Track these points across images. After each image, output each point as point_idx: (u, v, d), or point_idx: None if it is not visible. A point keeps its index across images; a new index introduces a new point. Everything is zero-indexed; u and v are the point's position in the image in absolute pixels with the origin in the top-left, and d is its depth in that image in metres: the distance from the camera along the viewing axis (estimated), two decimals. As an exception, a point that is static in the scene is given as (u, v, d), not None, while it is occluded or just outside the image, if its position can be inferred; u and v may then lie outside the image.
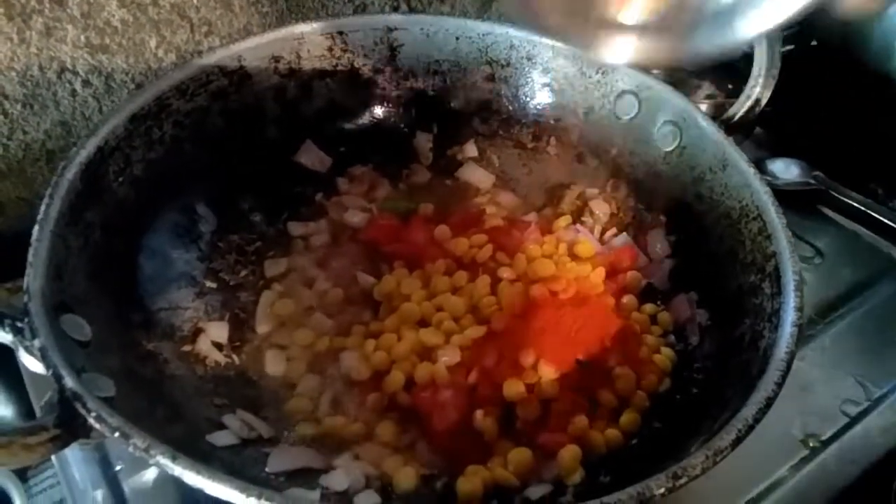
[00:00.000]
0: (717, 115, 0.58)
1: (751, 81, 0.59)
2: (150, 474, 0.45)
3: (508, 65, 0.59)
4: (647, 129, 0.55)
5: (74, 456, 0.46)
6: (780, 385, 0.36)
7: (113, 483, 0.45)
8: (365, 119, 0.60)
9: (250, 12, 0.59)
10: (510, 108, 0.60)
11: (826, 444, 0.49)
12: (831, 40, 0.73)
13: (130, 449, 0.31)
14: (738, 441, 0.34)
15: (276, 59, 0.54)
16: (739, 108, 0.59)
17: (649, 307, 0.51)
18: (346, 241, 0.54)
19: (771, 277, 0.43)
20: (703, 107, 0.58)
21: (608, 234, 0.56)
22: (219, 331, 0.48)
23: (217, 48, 0.52)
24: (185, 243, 0.50)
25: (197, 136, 0.51)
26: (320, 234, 0.55)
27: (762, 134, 0.72)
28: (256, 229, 0.54)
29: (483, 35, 0.58)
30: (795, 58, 0.66)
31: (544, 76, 0.59)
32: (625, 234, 0.56)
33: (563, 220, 0.56)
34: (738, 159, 0.49)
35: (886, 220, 0.64)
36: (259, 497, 0.30)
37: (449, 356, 0.46)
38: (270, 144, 0.55)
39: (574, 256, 0.53)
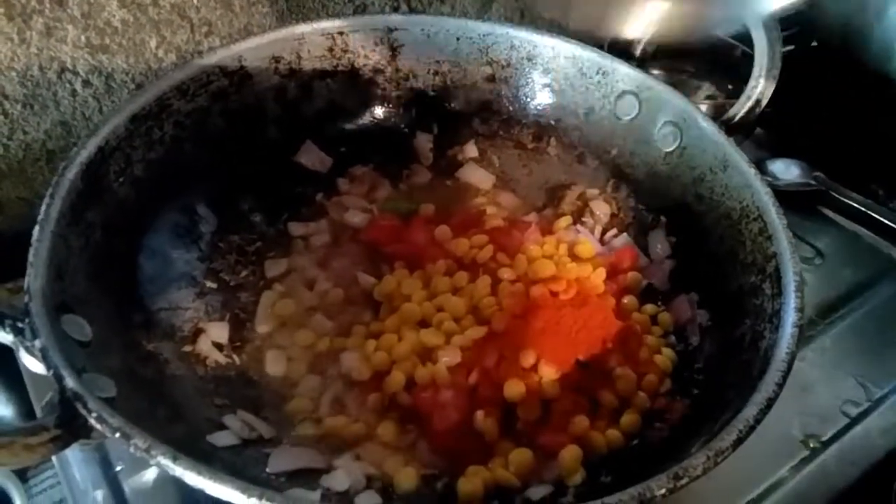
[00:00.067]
0: (717, 115, 0.58)
1: (751, 82, 0.59)
2: (150, 474, 0.45)
3: (509, 65, 0.59)
4: (647, 130, 0.55)
5: (75, 456, 0.46)
6: (780, 386, 0.36)
7: (113, 483, 0.45)
8: (365, 119, 0.60)
9: (250, 12, 0.59)
10: (511, 108, 0.61)
11: (826, 444, 0.49)
12: (832, 41, 0.73)
13: (131, 449, 0.31)
14: (739, 442, 0.34)
15: (277, 60, 0.54)
16: (740, 108, 0.59)
17: (650, 308, 0.51)
18: (347, 242, 0.54)
19: (772, 278, 0.43)
20: (704, 107, 0.58)
21: (609, 234, 0.56)
22: (219, 331, 0.48)
23: (217, 48, 0.52)
24: (186, 243, 0.50)
25: (197, 137, 0.51)
26: (321, 235, 0.55)
27: (762, 134, 0.72)
28: (257, 229, 0.54)
29: (484, 35, 0.58)
30: (796, 58, 0.66)
31: (545, 77, 0.59)
32: (625, 234, 0.56)
33: (564, 221, 0.56)
34: (739, 160, 0.49)
35: (887, 221, 0.64)
36: (260, 497, 0.30)
37: (449, 357, 0.46)
38: (271, 145, 0.55)
39: (574, 257, 0.53)
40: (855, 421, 0.51)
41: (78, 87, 0.55)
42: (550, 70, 0.58)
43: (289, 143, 0.57)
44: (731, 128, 0.57)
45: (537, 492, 0.41)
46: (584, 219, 0.57)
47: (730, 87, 0.74)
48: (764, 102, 0.58)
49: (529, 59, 0.58)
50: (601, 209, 0.57)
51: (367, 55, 0.57)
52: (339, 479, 0.40)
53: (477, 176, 0.60)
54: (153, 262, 0.47)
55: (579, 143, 0.60)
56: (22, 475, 0.50)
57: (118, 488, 0.44)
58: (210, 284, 0.50)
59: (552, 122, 0.60)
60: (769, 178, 0.66)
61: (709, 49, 0.74)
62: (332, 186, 0.58)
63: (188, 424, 0.40)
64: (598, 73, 0.56)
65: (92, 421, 0.32)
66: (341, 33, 0.56)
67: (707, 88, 0.75)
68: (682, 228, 0.54)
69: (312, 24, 0.55)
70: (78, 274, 0.40)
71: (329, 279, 0.51)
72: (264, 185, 0.55)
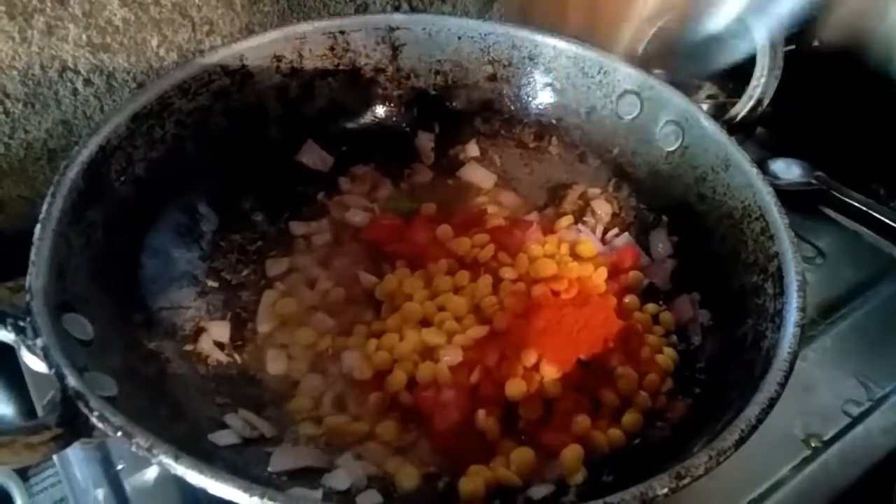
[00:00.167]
0: (719, 114, 0.58)
1: (753, 81, 0.59)
2: (151, 473, 0.45)
3: (510, 64, 0.59)
4: (649, 129, 0.55)
5: (76, 455, 0.46)
6: (782, 385, 0.36)
7: (114, 482, 0.45)
8: (367, 118, 0.60)
9: (252, 11, 0.59)
10: (512, 107, 0.60)
11: (828, 444, 0.49)
12: (833, 41, 0.73)
13: (133, 448, 0.31)
14: (741, 441, 0.34)
15: (278, 59, 0.54)
16: (741, 108, 0.59)
17: (651, 307, 0.51)
18: (348, 241, 0.54)
19: (773, 278, 0.43)
20: (705, 107, 0.58)
21: (610, 233, 0.56)
22: (220, 330, 0.48)
23: (219, 47, 0.52)
24: (187, 242, 0.50)
25: (199, 136, 0.51)
26: (322, 234, 0.55)
27: (764, 134, 0.72)
28: (258, 229, 0.54)
29: (485, 35, 0.58)
30: (797, 58, 0.66)
31: (546, 76, 0.59)
32: (627, 234, 0.56)
33: (565, 220, 0.56)
34: (741, 159, 0.49)
35: (888, 221, 0.64)
36: (262, 497, 0.30)
37: (451, 356, 0.46)
38: (272, 144, 0.55)
39: (576, 256, 0.53)
40: (856, 420, 0.51)
41: (79, 85, 0.55)
42: (552, 69, 0.58)
43: (290, 143, 0.57)
44: (732, 127, 0.57)
45: (539, 491, 0.40)
46: (585, 218, 0.57)
47: (731, 86, 0.73)
48: (766, 102, 0.58)
49: (531, 59, 0.58)
50: (603, 208, 0.57)
51: (368, 54, 0.57)
52: (340, 479, 0.40)
53: (478, 175, 0.60)
54: (154, 261, 0.47)
55: (581, 143, 0.60)
56: (23, 474, 0.50)
57: (119, 487, 0.44)
58: (211, 283, 0.50)
59: (553, 122, 0.60)
60: (770, 178, 0.66)
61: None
62: (333, 185, 0.58)
63: (189, 423, 0.40)
64: (599, 72, 0.56)
65: (93, 420, 0.32)
66: (343, 32, 0.55)
67: (708, 88, 0.75)
68: (684, 228, 0.54)
69: (314, 23, 0.55)
70: (79, 273, 0.40)
71: (330, 278, 0.51)
72: (266, 184, 0.55)
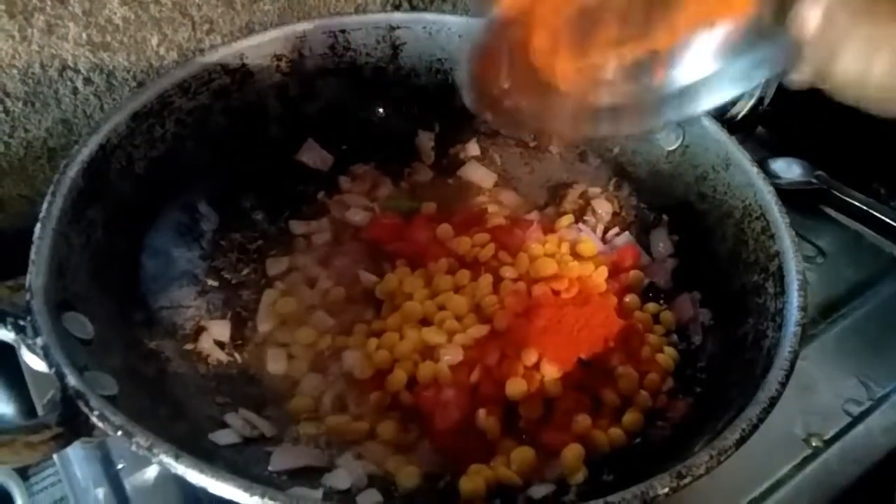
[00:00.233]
0: (719, 114, 0.58)
1: (753, 80, 0.59)
2: (151, 472, 0.45)
3: (511, 63, 0.58)
4: (649, 128, 0.55)
5: (76, 454, 0.46)
6: (783, 385, 0.36)
7: (114, 481, 0.45)
8: (367, 117, 0.59)
9: (252, 10, 0.59)
10: (512, 106, 0.60)
11: (828, 443, 0.49)
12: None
13: (133, 447, 0.31)
14: (742, 441, 0.34)
15: (278, 58, 0.54)
16: (742, 107, 0.59)
17: (652, 306, 0.51)
18: (348, 240, 0.54)
19: (774, 277, 0.43)
20: (706, 106, 0.58)
21: (610, 233, 0.56)
22: (221, 329, 0.48)
23: (219, 46, 0.52)
24: (187, 242, 0.50)
25: (199, 135, 0.51)
26: (322, 233, 0.55)
27: (764, 133, 0.72)
28: (258, 228, 0.54)
29: (485, 33, 0.57)
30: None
31: (547, 75, 0.58)
32: (627, 233, 0.56)
33: (566, 219, 0.56)
34: (741, 158, 0.49)
35: (889, 220, 0.64)
36: (262, 496, 0.30)
37: (451, 355, 0.46)
38: (272, 143, 0.55)
39: (576, 255, 0.53)
40: (857, 420, 0.50)
41: (79, 84, 0.55)
42: (552, 68, 0.58)
43: (290, 142, 0.57)
44: (733, 126, 0.57)
45: (539, 490, 0.41)
46: (585, 217, 0.57)
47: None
48: (766, 101, 0.58)
49: (531, 58, 0.58)
50: (603, 208, 0.57)
51: (368, 53, 0.57)
52: (340, 478, 0.40)
53: (479, 174, 0.60)
54: (155, 261, 0.47)
55: (581, 142, 0.59)
56: (23, 473, 0.50)
57: (119, 486, 0.44)
58: (211, 283, 0.50)
59: (554, 121, 0.60)
60: (771, 177, 0.66)
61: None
62: (333, 185, 0.58)
63: (190, 422, 0.40)
64: (600, 71, 0.56)
65: (94, 419, 0.32)
66: (343, 31, 0.55)
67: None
68: (685, 227, 0.53)
69: (314, 21, 0.55)
70: (79, 272, 0.40)
71: (330, 277, 0.51)
72: (266, 184, 0.55)
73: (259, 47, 0.53)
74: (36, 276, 0.36)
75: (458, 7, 0.71)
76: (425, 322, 0.48)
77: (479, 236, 0.53)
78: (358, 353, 0.46)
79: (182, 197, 0.50)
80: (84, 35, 0.53)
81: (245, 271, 0.52)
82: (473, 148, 0.61)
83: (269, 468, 0.40)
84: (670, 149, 0.54)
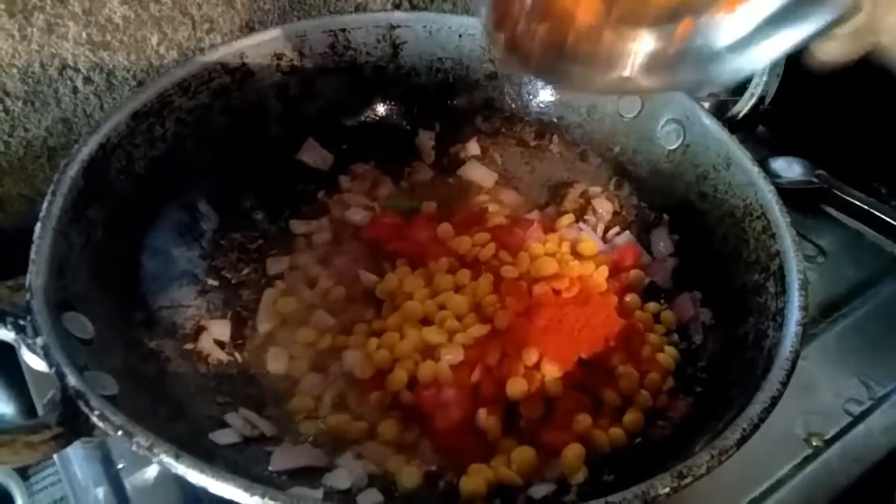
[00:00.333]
0: (720, 113, 0.58)
1: (754, 79, 0.59)
2: (151, 472, 0.45)
3: (511, 62, 0.58)
4: (650, 128, 0.55)
5: (76, 454, 0.45)
6: (784, 384, 0.36)
7: (115, 481, 0.45)
8: (367, 117, 0.59)
9: (252, 9, 0.59)
10: (513, 105, 0.60)
11: (829, 443, 0.49)
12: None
13: (133, 447, 0.31)
14: (743, 440, 0.34)
15: (279, 57, 0.54)
16: (743, 106, 0.59)
17: (652, 306, 0.51)
18: (349, 239, 0.54)
19: (775, 276, 0.43)
20: (706, 105, 0.58)
21: (611, 232, 0.56)
22: (221, 329, 0.48)
23: (219, 45, 0.52)
24: (187, 241, 0.50)
25: (199, 134, 0.51)
26: (322, 232, 0.55)
27: (765, 132, 0.72)
28: (258, 227, 0.54)
29: (486, 33, 0.57)
30: (798, 56, 0.65)
31: (547, 74, 0.58)
32: (628, 232, 0.56)
33: (566, 219, 0.56)
34: (742, 157, 0.49)
35: (889, 219, 0.64)
36: (263, 496, 0.30)
37: (452, 355, 0.45)
38: (272, 142, 0.55)
39: (577, 255, 0.53)
40: (858, 419, 0.50)
41: (79, 84, 0.55)
42: (553, 67, 0.58)
43: (290, 141, 0.57)
44: (734, 125, 0.57)
45: (540, 490, 0.40)
46: (586, 216, 0.57)
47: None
48: (767, 100, 0.58)
49: (532, 57, 0.58)
50: (604, 207, 0.57)
51: (368, 52, 0.57)
52: (341, 478, 0.40)
53: (479, 173, 0.60)
54: (155, 260, 0.47)
55: (582, 141, 0.59)
56: (23, 473, 0.50)
57: (119, 486, 0.44)
58: (212, 282, 0.50)
59: (554, 120, 0.60)
60: (772, 176, 0.65)
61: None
62: (333, 184, 0.57)
63: (190, 422, 0.40)
64: (600, 70, 0.56)
65: (94, 419, 0.32)
66: (343, 30, 0.55)
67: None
68: (685, 226, 0.53)
69: (314, 21, 0.55)
70: (79, 271, 0.40)
71: (331, 277, 0.51)
72: (266, 183, 0.55)
73: (259, 46, 0.53)
74: (36, 275, 0.36)
75: (459, 6, 0.71)
76: (426, 321, 0.48)
77: (480, 236, 0.53)
78: (358, 353, 0.46)
79: (182, 196, 0.50)
80: (84, 34, 0.53)
81: (245, 271, 0.52)
82: (474, 147, 0.61)
83: (270, 468, 0.40)
84: (671, 148, 0.54)
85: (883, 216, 0.64)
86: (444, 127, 0.61)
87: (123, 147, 0.45)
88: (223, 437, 0.40)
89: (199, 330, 0.47)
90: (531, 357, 0.45)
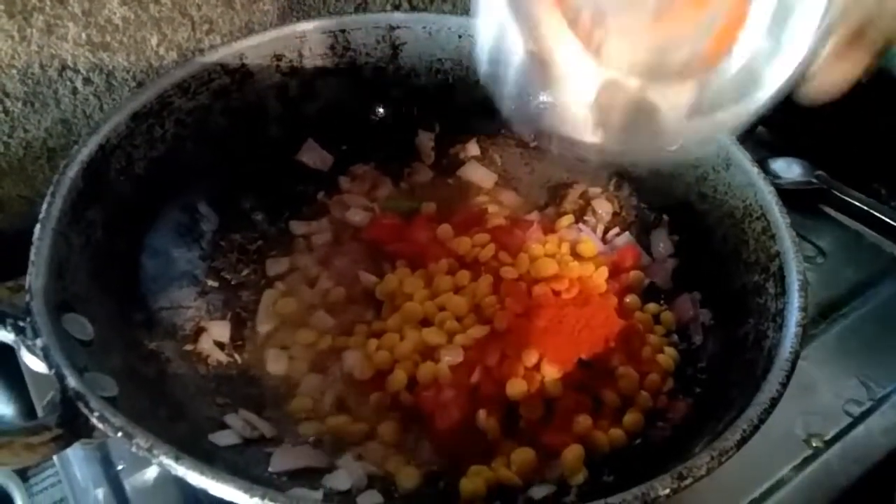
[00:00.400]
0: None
1: (754, 80, 0.58)
2: (151, 473, 0.45)
3: (511, 63, 0.58)
4: (650, 128, 0.55)
5: (76, 455, 0.46)
6: (784, 385, 0.36)
7: (114, 482, 0.45)
8: (367, 117, 0.59)
9: (252, 10, 0.59)
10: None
11: (829, 443, 0.49)
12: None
13: (133, 449, 0.31)
14: (743, 441, 0.34)
15: (278, 58, 0.54)
16: (742, 106, 0.58)
17: (652, 307, 0.51)
18: (348, 240, 0.54)
19: (775, 277, 0.43)
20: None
21: (611, 233, 0.56)
22: (221, 330, 0.48)
23: (219, 46, 0.52)
24: (187, 242, 0.50)
25: (199, 135, 0.51)
26: (322, 233, 0.55)
27: (764, 133, 0.72)
28: (258, 228, 0.54)
29: (485, 33, 0.57)
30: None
31: (547, 74, 0.58)
32: (627, 233, 0.56)
33: (566, 220, 0.56)
34: (742, 158, 0.49)
35: (889, 220, 0.63)
36: (263, 497, 0.30)
37: (451, 356, 0.45)
38: (272, 143, 0.55)
39: (577, 256, 0.53)
40: (857, 420, 0.50)
41: (79, 84, 0.55)
42: (552, 68, 0.58)
43: (290, 142, 0.57)
44: (733, 126, 0.57)
45: (540, 491, 0.40)
46: (586, 217, 0.57)
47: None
48: (767, 101, 0.58)
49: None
50: (603, 208, 0.57)
51: (368, 53, 0.57)
52: (341, 479, 0.40)
53: (479, 174, 0.60)
54: (154, 261, 0.47)
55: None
56: (23, 474, 0.50)
57: (119, 487, 0.44)
58: (211, 283, 0.50)
59: (554, 121, 0.60)
60: (771, 177, 0.65)
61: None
62: (333, 185, 0.57)
63: (190, 423, 0.40)
64: (600, 71, 0.56)
65: (94, 420, 0.32)
66: (343, 31, 0.55)
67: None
68: (685, 227, 0.53)
69: (314, 21, 0.55)
70: (79, 272, 0.40)
71: (331, 278, 0.51)
72: (266, 184, 0.55)
73: (259, 47, 0.53)
74: (36, 277, 0.36)
75: (458, 7, 0.71)
76: (425, 322, 0.48)
77: (480, 237, 0.53)
78: (358, 354, 0.46)
79: (182, 197, 0.50)
80: (83, 35, 0.53)
81: (245, 272, 0.52)
82: (473, 148, 0.61)
83: (270, 469, 0.40)
84: (671, 149, 0.54)
85: (882, 217, 0.64)
86: (444, 128, 0.61)
87: (123, 148, 0.45)
88: (223, 438, 0.40)
89: (199, 331, 0.47)
90: (531, 358, 0.45)
